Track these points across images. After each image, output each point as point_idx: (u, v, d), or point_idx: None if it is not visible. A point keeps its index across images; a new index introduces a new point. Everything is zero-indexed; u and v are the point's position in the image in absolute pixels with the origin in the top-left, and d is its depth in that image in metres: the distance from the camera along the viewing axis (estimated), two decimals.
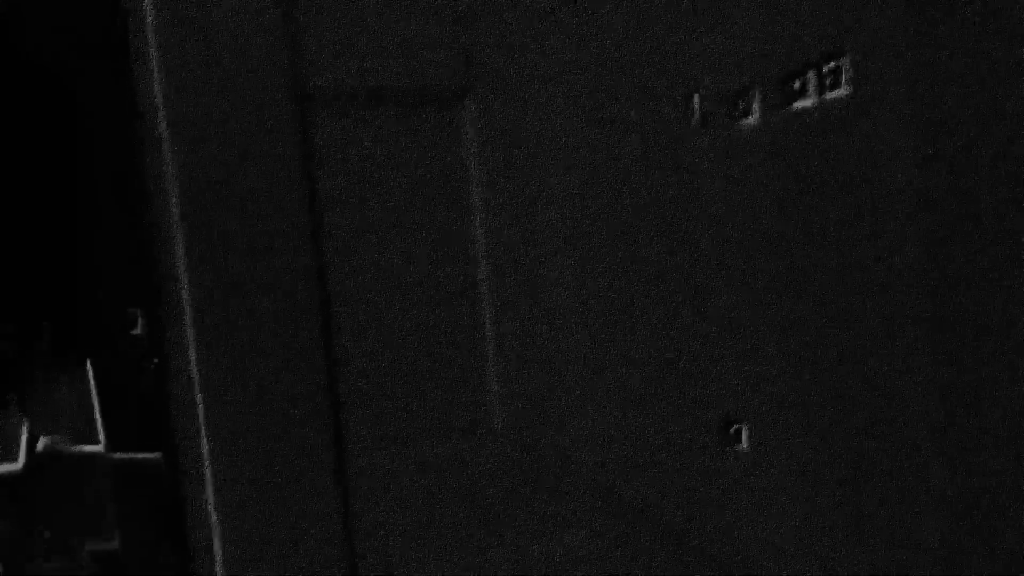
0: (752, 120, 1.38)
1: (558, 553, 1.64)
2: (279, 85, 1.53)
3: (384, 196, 1.61)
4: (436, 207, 1.63)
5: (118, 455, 1.98)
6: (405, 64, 1.59)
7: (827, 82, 1.26)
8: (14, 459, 1.91)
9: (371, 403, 1.64)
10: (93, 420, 2.00)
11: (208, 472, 1.56)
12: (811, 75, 1.27)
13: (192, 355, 1.54)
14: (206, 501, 1.56)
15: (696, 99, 1.48)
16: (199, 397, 1.54)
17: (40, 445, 1.94)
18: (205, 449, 1.55)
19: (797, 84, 1.29)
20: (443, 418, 1.65)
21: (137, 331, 1.95)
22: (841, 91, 1.23)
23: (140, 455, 1.96)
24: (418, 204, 1.62)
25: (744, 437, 1.51)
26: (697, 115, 1.48)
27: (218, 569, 1.57)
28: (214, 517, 1.55)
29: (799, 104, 1.30)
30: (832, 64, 1.24)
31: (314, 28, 1.56)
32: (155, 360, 1.85)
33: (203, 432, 1.54)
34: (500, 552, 1.65)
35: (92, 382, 2.03)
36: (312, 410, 1.57)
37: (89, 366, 2.05)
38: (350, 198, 1.59)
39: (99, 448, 1.97)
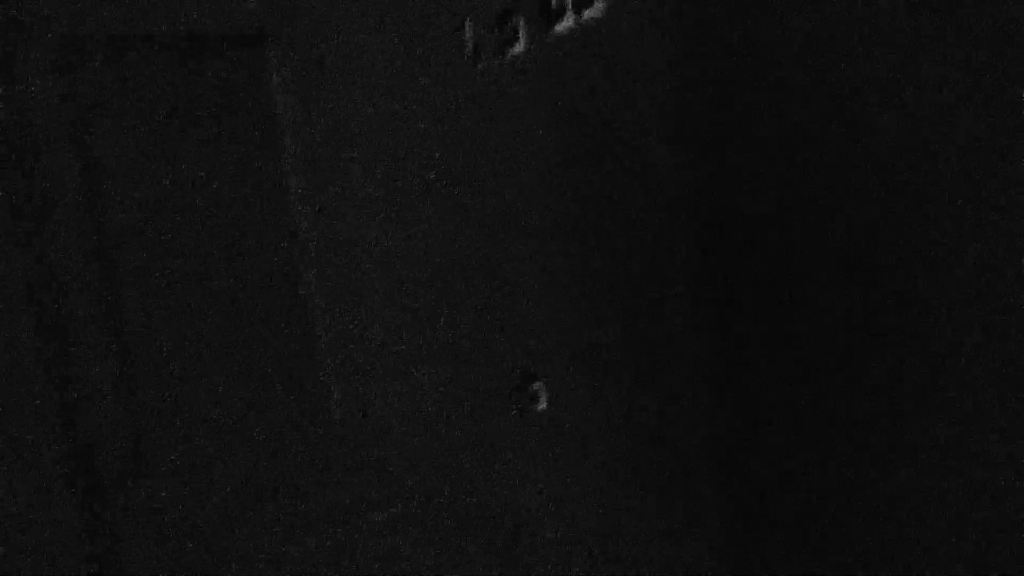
0: (519, 47, 1.35)
1: (363, 532, 1.61)
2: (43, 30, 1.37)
3: (181, 147, 1.49)
4: (245, 155, 1.52)
5: None
6: (202, 9, 1.47)
7: (582, 1, 1.23)
8: None
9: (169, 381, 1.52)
10: None
11: None
12: None
13: None
14: None
15: (467, 29, 1.40)
16: None
17: None
18: None
19: (555, 3, 1.26)
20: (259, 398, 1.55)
21: None
22: (597, 8, 1.21)
23: None
24: (223, 152, 1.50)
25: (542, 397, 1.48)
26: (469, 46, 1.46)
27: None
28: None
29: (560, 26, 1.26)
30: None
31: None
32: None
33: None
34: (309, 536, 1.61)
35: None
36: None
37: None
38: (137, 147, 1.46)
39: None
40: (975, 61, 0.92)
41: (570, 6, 1.24)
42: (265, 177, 1.60)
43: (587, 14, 1.24)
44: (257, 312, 1.58)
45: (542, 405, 1.49)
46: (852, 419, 1.15)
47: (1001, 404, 1.02)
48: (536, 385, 1.48)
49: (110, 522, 1.45)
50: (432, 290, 1.55)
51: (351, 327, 1.63)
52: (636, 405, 1.42)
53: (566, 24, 1.26)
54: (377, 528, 1.56)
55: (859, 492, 1.17)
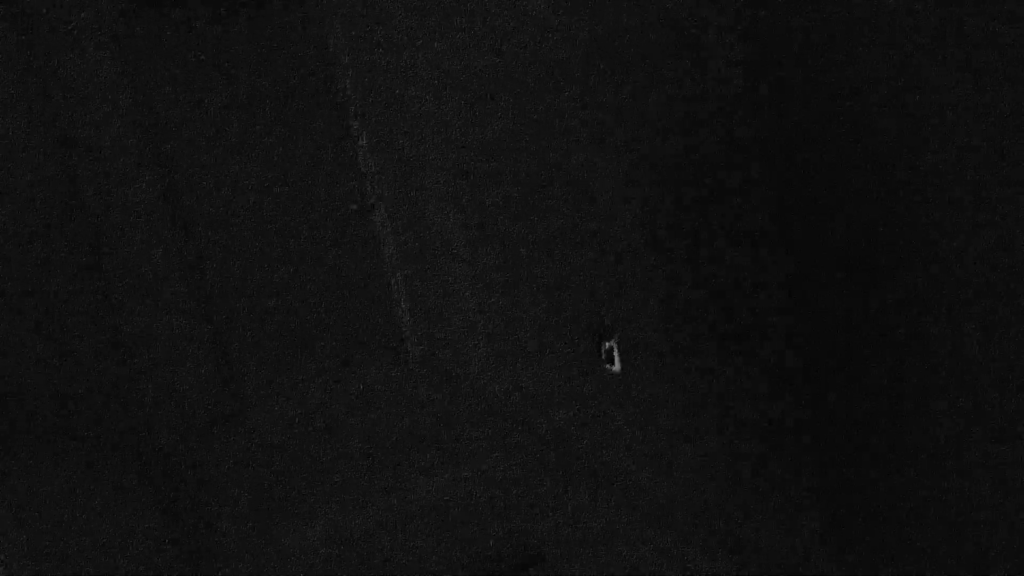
0: None
1: (462, 478, 1.61)
2: None
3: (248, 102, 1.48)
4: (308, 113, 1.51)
5: None
6: None
7: None
8: None
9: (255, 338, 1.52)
10: None
11: None
12: None
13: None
14: None
15: None
16: None
17: None
18: None
19: None
20: (346, 348, 1.56)
21: None
22: None
23: None
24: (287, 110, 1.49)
25: (616, 357, 1.51)
26: None
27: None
28: None
29: None
30: None
31: None
32: None
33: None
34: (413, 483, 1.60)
35: None
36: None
37: None
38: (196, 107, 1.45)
39: None
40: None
41: None
42: (330, 131, 1.58)
43: None
44: (330, 261, 1.57)
45: (616, 366, 1.49)
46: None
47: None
48: (608, 344, 1.48)
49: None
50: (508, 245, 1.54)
51: (430, 296, 1.62)
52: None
53: None
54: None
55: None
